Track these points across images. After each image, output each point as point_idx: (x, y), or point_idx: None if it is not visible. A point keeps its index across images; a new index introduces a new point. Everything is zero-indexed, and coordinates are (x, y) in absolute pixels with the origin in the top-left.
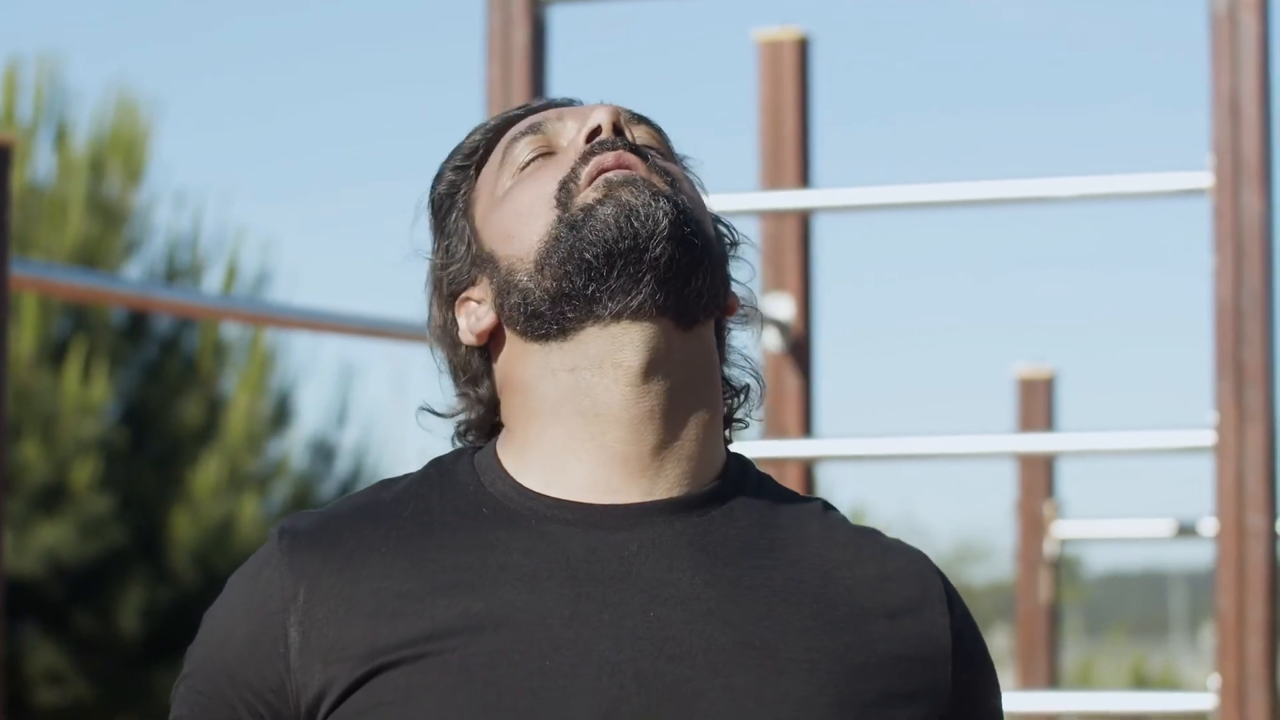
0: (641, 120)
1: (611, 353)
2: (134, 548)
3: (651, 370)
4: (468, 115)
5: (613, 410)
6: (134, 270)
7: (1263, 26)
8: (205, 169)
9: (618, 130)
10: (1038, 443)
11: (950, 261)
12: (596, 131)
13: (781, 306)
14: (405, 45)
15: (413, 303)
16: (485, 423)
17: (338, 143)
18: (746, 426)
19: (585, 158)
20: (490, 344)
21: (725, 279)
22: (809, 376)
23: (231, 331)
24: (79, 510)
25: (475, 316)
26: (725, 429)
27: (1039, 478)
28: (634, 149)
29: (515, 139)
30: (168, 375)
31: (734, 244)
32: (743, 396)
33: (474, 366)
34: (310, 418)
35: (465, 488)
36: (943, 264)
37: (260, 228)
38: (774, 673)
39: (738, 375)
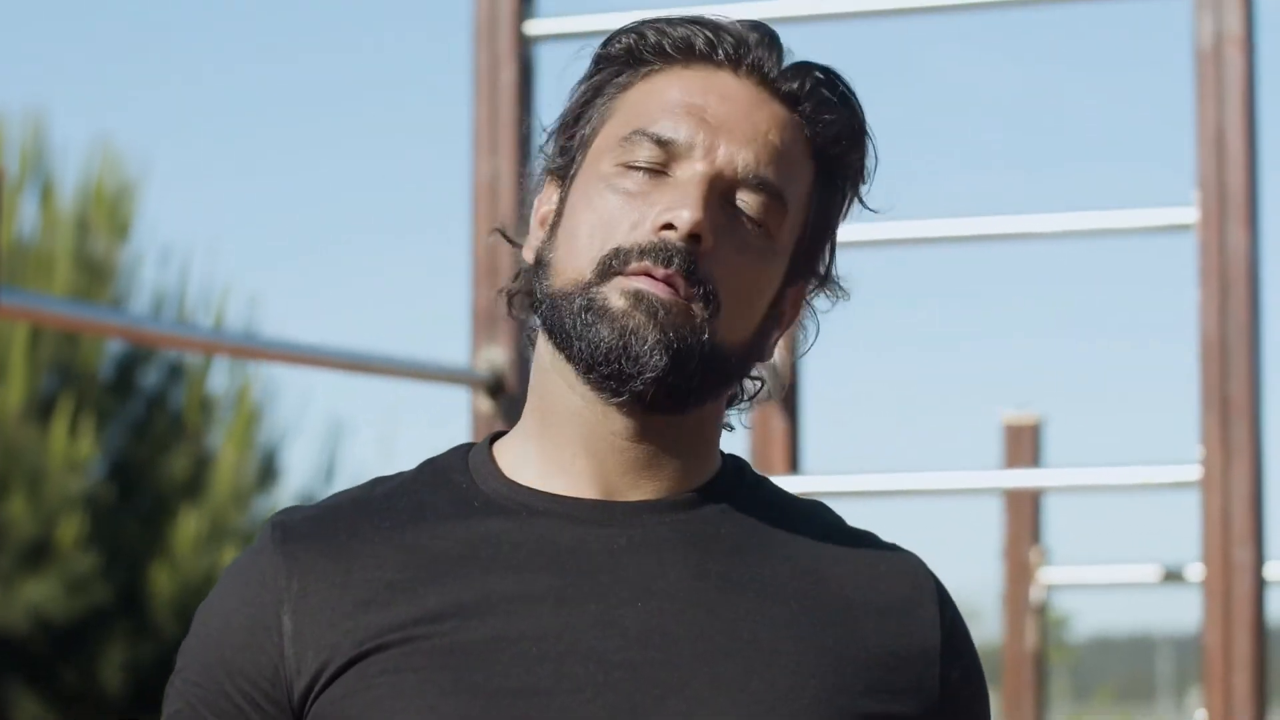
0: (760, 185)
1: (603, 407)
2: (118, 604)
3: (641, 436)
4: (454, 167)
5: (598, 445)
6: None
7: (1248, 62)
8: (192, 224)
9: (695, 235)
10: (1023, 479)
11: (933, 305)
12: (672, 226)
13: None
14: (391, 101)
15: (400, 347)
16: (531, 296)
17: (324, 198)
18: (733, 429)
19: (643, 251)
20: None
21: (741, 370)
22: (795, 419)
23: (219, 386)
24: (65, 567)
25: (531, 236)
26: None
27: (1025, 523)
28: (691, 271)
29: (640, 137)
30: (155, 431)
31: (823, 273)
32: (741, 397)
33: (541, 248)
34: (298, 475)
35: (458, 485)
36: (925, 309)
37: (246, 283)
38: (760, 664)
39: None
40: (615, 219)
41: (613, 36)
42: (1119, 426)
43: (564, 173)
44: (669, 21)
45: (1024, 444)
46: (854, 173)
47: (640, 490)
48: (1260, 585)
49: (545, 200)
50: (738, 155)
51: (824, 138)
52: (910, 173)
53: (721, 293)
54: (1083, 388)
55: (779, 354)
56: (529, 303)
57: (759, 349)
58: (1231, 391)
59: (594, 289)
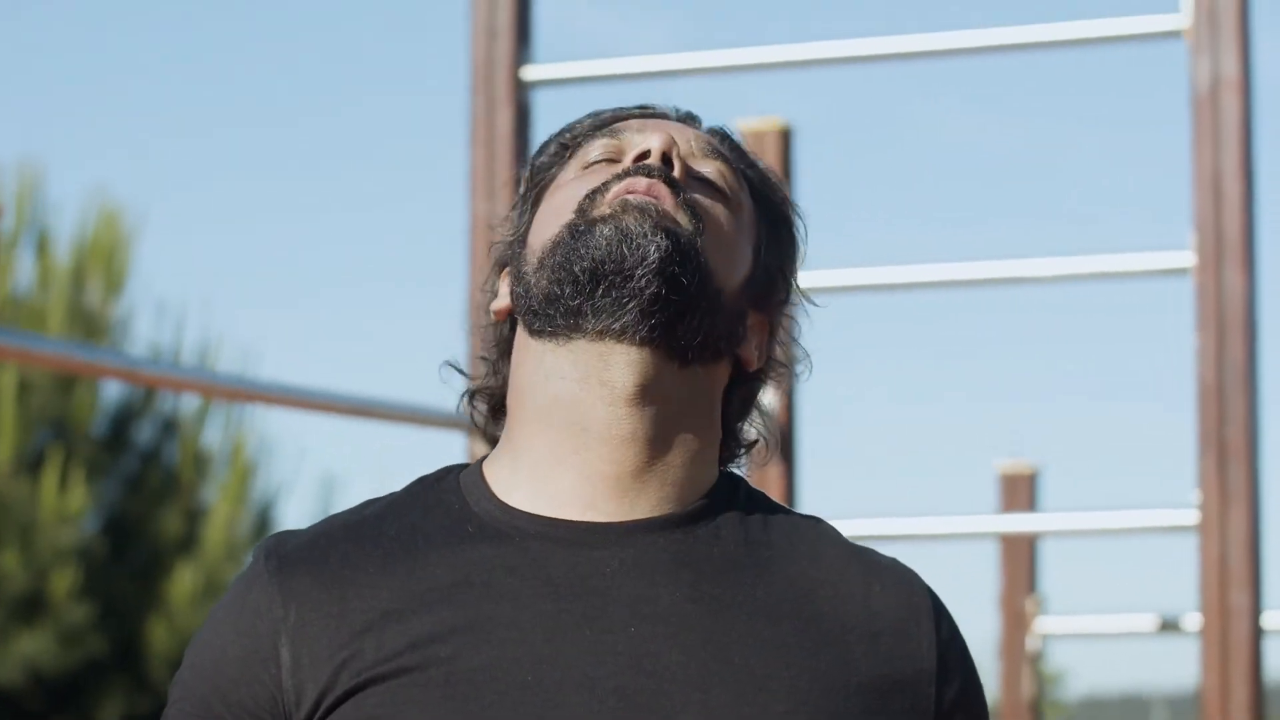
0: (718, 156)
1: (600, 370)
2: (113, 658)
3: (639, 396)
4: (449, 224)
5: (597, 428)
6: (112, 382)
7: (1244, 105)
8: (186, 278)
9: (667, 159)
10: (1019, 523)
11: (927, 352)
12: (646, 155)
13: (764, 397)
14: (388, 146)
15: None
16: (495, 396)
17: (320, 246)
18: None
19: (621, 176)
20: (513, 324)
21: (735, 329)
22: (791, 464)
23: (212, 442)
24: (58, 620)
25: (498, 293)
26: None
27: (1021, 572)
28: (671, 180)
29: (593, 137)
30: (148, 486)
31: (782, 301)
32: (745, 451)
33: (501, 338)
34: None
35: (450, 506)
36: (919, 355)
37: (241, 335)
38: (752, 689)
39: (748, 431)
40: (584, 185)
41: (545, 143)
42: (1116, 474)
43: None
44: (600, 111)
45: (1020, 493)
46: (789, 219)
47: (629, 508)
48: (1257, 629)
49: (501, 291)
50: (690, 136)
51: (754, 179)
52: (906, 222)
53: (703, 214)
54: (1079, 434)
55: (774, 399)
56: (495, 405)
57: (741, 315)
58: (1229, 435)
59: (578, 220)
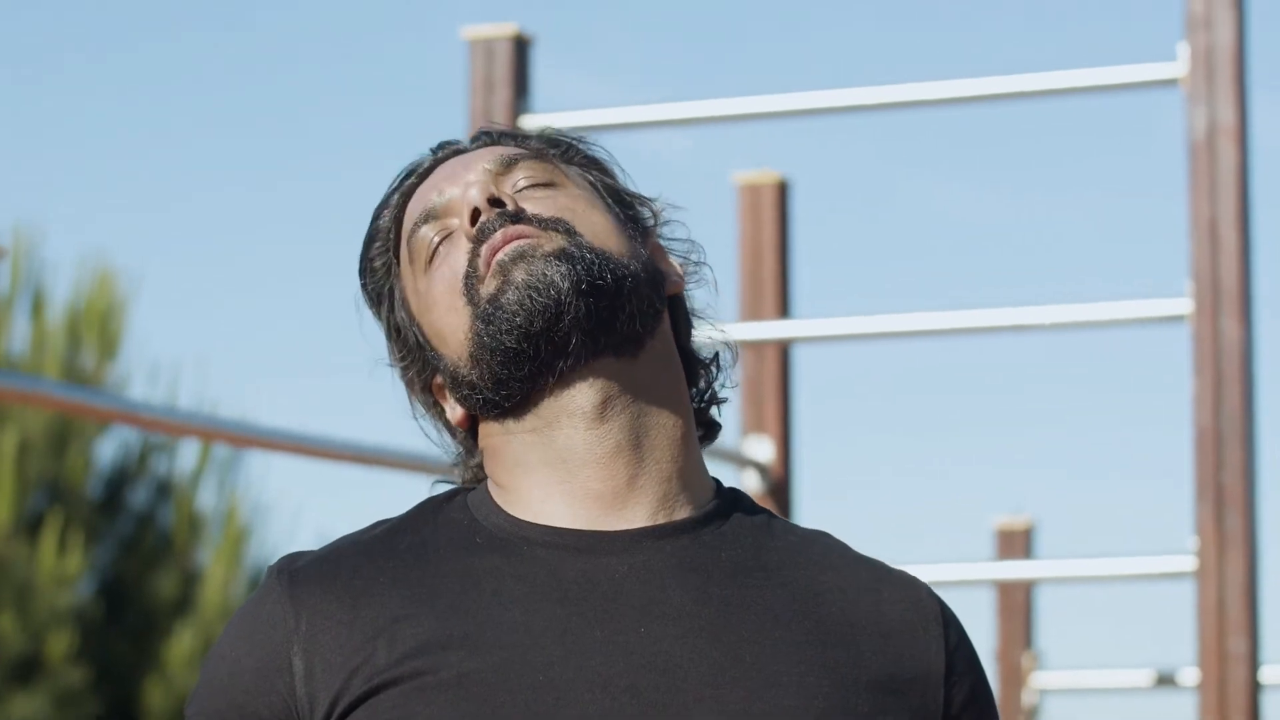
0: (515, 160)
1: (564, 404)
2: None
3: (606, 408)
4: None
5: (578, 454)
6: (108, 445)
7: (1241, 154)
8: (182, 341)
9: (496, 202)
10: (1016, 570)
11: (921, 403)
12: (478, 212)
13: (761, 449)
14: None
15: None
16: (481, 478)
17: (318, 315)
18: (727, 400)
19: (477, 245)
20: (472, 424)
21: (654, 284)
22: (788, 513)
23: (208, 504)
24: (54, 682)
25: (449, 407)
26: (706, 405)
27: (1018, 626)
28: (513, 216)
29: (415, 229)
30: (144, 548)
31: (656, 221)
32: (715, 368)
33: (466, 441)
34: None
35: (459, 522)
36: (914, 407)
37: (236, 399)
38: (763, 686)
39: (704, 347)
40: (451, 274)
41: (365, 264)
42: (1113, 526)
43: (423, 368)
44: (379, 208)
45: (1016, 547)
46: (594, 152)
47: (634, 507)
48: (1255, 677)
49: (448, 405)
50: (485, 160)
51: (545, 140)
52: (903, 275)
53: (560, 217)
54: (1075, 487)
55: (771, 451)
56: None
57: (649, 261)
58: (1226, 481)
59: (478, 307)
